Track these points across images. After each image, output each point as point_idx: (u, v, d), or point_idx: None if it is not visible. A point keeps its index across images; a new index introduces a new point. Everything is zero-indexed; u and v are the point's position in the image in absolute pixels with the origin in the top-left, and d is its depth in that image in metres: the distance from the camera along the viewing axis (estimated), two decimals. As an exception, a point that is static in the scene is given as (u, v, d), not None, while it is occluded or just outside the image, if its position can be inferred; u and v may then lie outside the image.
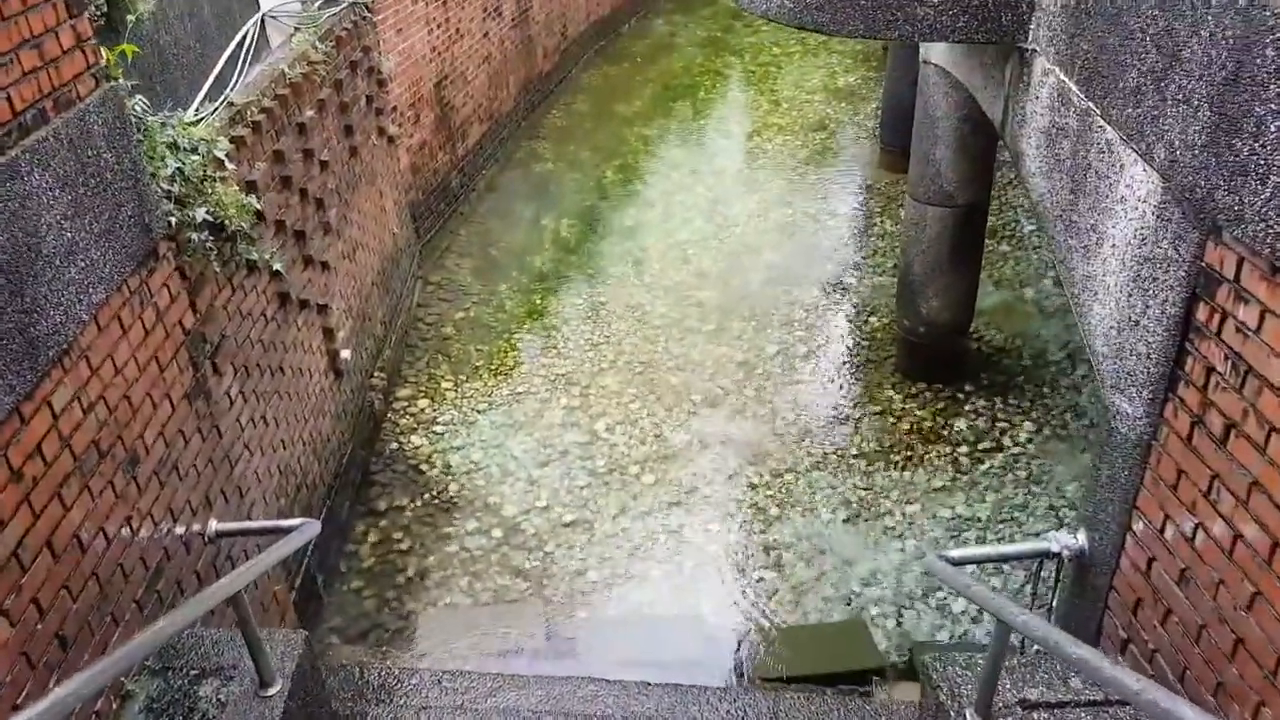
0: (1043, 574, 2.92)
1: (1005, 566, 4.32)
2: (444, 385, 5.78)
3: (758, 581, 4.38)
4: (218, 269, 3.30)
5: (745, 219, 7.82)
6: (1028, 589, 3.61)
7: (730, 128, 9.89)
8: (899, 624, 4.14)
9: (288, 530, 2.78)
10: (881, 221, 7.70)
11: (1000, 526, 4.64)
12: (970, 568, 3.10)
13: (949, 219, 5.28)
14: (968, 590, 2.45)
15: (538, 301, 6.67)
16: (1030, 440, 5.21)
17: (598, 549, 4.57)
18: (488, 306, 6.59)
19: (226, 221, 3.28)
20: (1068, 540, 2.74)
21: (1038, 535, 4.51)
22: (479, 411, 5.55)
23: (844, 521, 4.71)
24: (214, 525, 2.92)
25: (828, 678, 3.74)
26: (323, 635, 4.14)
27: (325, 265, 4.68)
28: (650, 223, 7.84)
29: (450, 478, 5.04)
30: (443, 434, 5.37)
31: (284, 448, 4.03)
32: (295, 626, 3.59)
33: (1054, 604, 2.98)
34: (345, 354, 4.78)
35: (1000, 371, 5.79)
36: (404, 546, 4.61)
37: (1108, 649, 2.60)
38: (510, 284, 6.89)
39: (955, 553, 2.69)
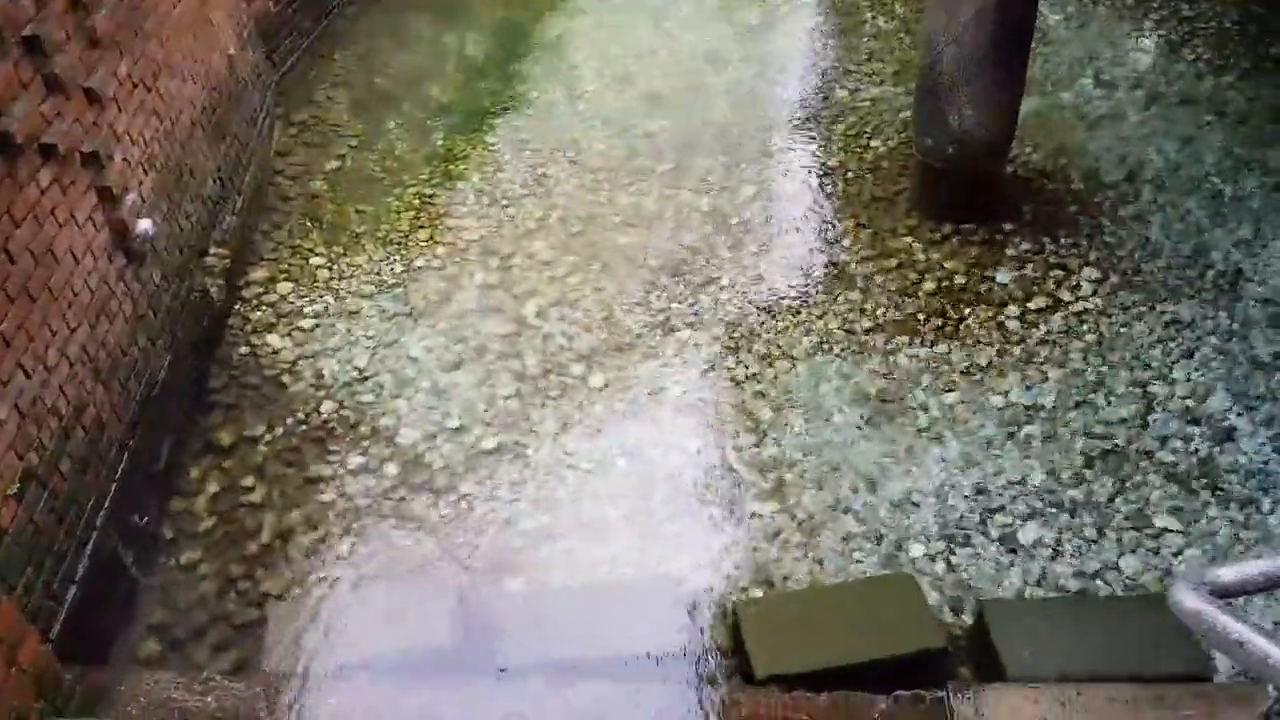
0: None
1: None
2: (314, 262, 4.29)
3: (753, 518, 3.16)
4: None
5: (702, 22, 6.18)
6: None
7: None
8: (951, 567, 2.97)
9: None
10: (873, 18, 6.14)
11: (1072, 416, 3.44)
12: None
13: (995, -9, 3.81)
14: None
15: (439, 143, 5.10)
16: (1095, 292, 3.97)
17: (532, 486, 3.28)
18: (372, 152, 5.01)
19: None
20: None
21: (1123, 425, 3.33)
22: (363, 296, 4.10)
23: (863, 424, 3.47)
24: None
25: (865, 668, 2.57)
26: (135, 643, 2.85)
27: (91, 95, 3.09)
28: (581, 33, 6.17)
29: (324, 393, 3.66)
30: (313, 330, 3.94)
31: (28, 375, 2.60)
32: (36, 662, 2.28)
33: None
34: (144, 225, 3.26)
35: (1046, 201, 4.48)
36: (257, 497, 3.27)
37: None
38: (402, 121, 5.28)
39: (1225, 572, 1.43)
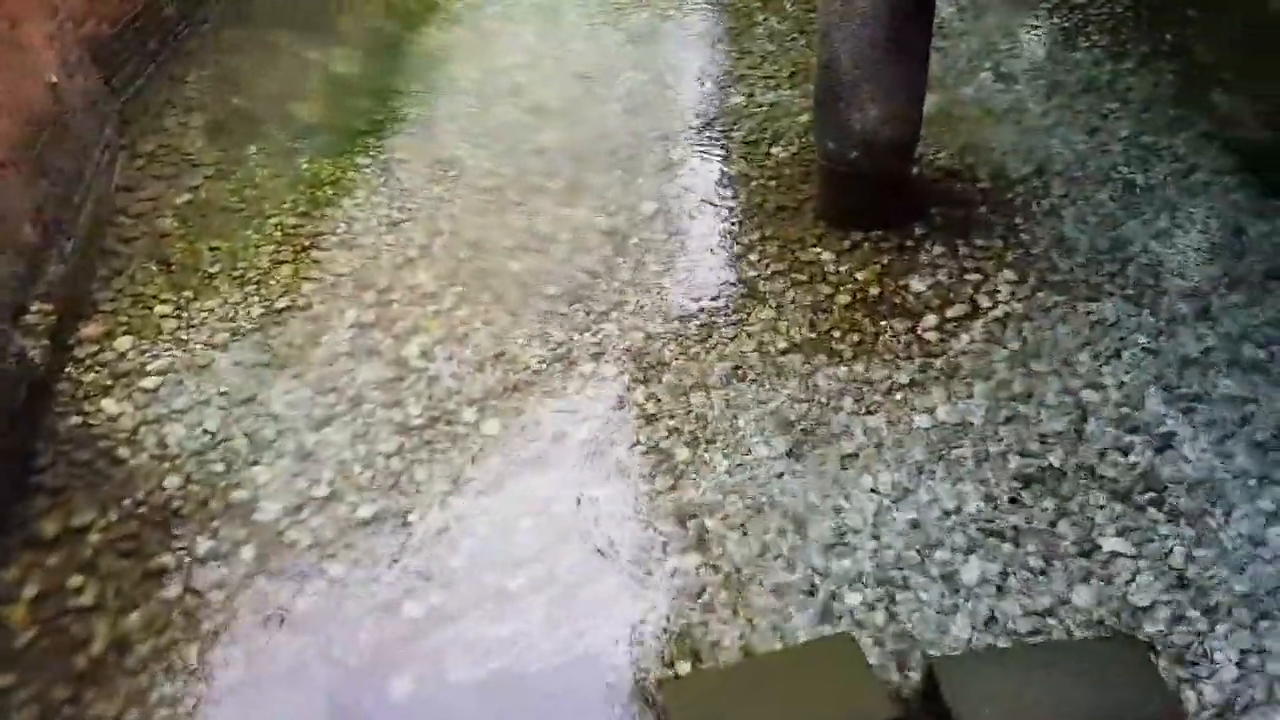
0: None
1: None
2: (159, 311, 3.77)
3: (674, 576, 2.80)
4: None
5: (590, 30, 5.84)
6: None
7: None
8: (892, 616, 2.67)
9: None
10: (765, 19, 5.90)
11: (1004, 431, 3.20)
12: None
13: (892, -19, 3.57)
14: None
15: (304, 167, 4.61)
16: (1014, 295, 3.75)
17: (419, 559, 2.86)
18: (229, 181, 4.50)
19: None
20: None
21: (1059, 439, 3.10)
22: (216, 347, 3.60)
23: (785, 455, 3.16)
24: None
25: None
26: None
27: None
28: (461, 45, 5.76)
29: (168, 465, 3.15)
30: (157, 391, 3.42)
31: None
32: None
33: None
34: (-71, 288, 2.74)
35: (955, 202, 4.26)
36: (88, 599, 2.76)
37: None
38: (264, 145, 4.77)
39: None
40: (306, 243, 4.12)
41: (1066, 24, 5.58)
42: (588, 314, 3.74)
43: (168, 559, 2.86)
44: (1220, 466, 2.97)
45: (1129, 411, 3.22)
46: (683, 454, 3.17)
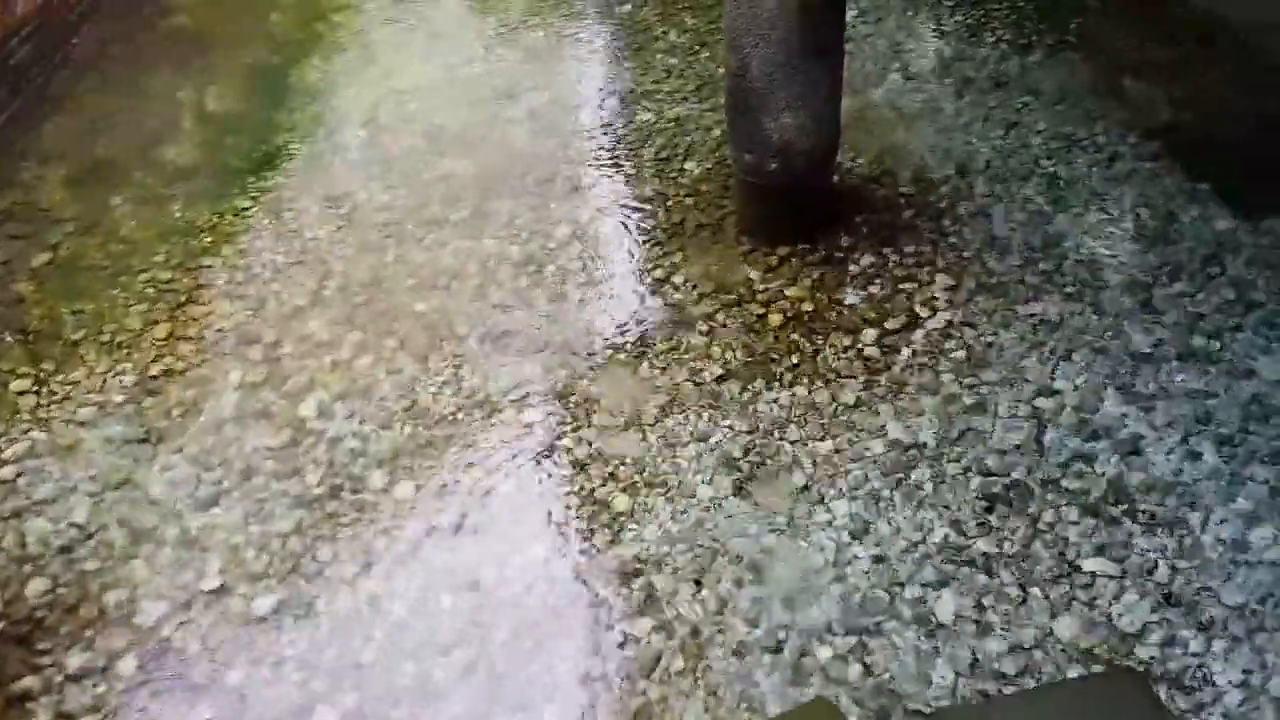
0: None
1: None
2: (15, 387, 3.30)
3: (624, 645, 2.49)
4: None
5: (485, 50, 5.53)
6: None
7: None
8: (868, 669, 2.41)
9: None
10: (665, 33, 5.67)
11: (960, 449, 2.99)
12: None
13: (801, -19, 3.37)
14: None
15: (178, 215, 4.18)
16: (951, 302, 3.57)
17: (329, 654, 2.48)
18: (93, 236, 4.04)
19: None
20: None
21: (1018, 453, 2.91)
22: (83, 424, 3.16)
23: (733, 494, 2.89)
24: None
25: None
26: None
27: None
28: (348, 73, 5.38)
29: (30, 568, 2.71)
30: (15, 481, 2.97)
31: None
32: None
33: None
34: None
35: (880, 209, 4.08)
36: (-72, 747, 2.32)
37: None
38: (131, 194, 4.32)
39: None
40: (182, 298, 3.70)
41: (970, 21, 5.52)
42: (504, 353, 3.42)
43: (32, 681, 2.43)
44: (1190, 468, 2.82)
45: (1087, 416, 3.05)
46: (621, 502, 2.87)
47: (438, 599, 2.60)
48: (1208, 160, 4.03)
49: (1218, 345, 3.20)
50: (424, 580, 2.65)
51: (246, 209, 4.22)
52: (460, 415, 3.16)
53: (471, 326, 3.53)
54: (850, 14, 5.67)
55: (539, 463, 3.01)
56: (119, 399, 3.25)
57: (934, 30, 5.51)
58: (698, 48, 5.47)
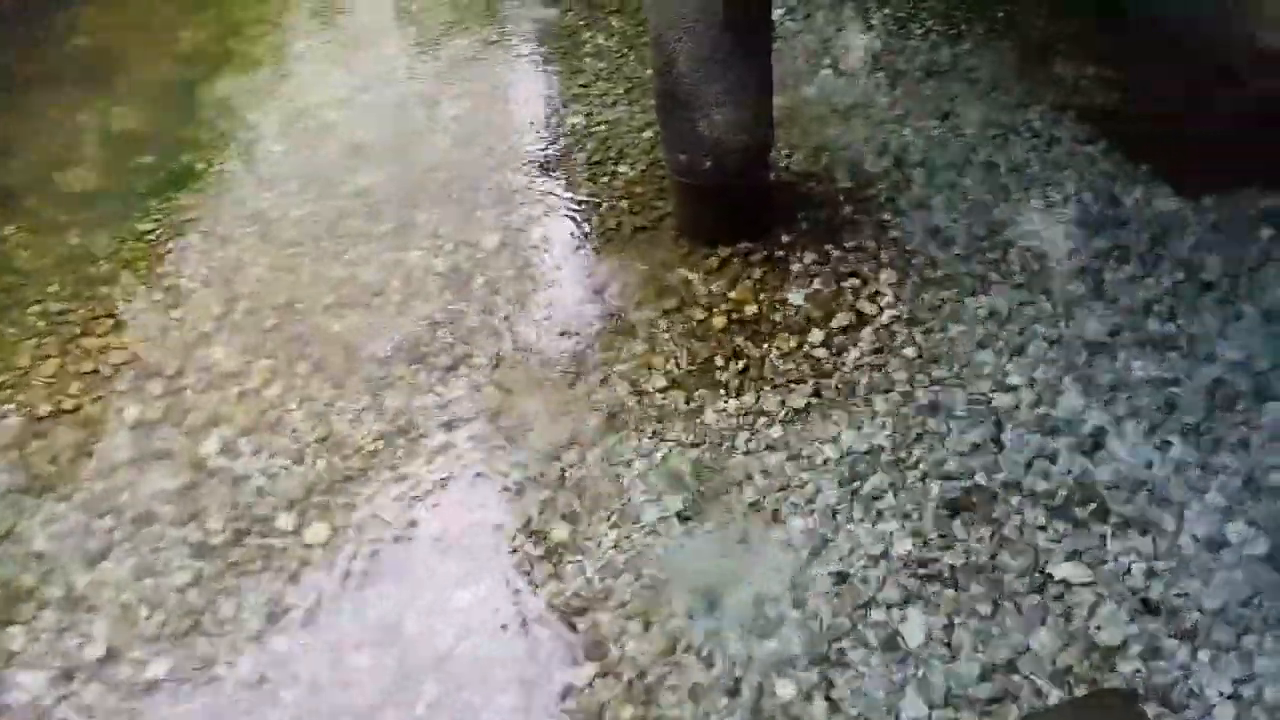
0: None
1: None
2: (-124, 439, 2.97)
3: (567, 697, 2.25)
4: None
5: (406, 59, 5.28)
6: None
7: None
8: (835, 705, 2.21)
9: None
10: (592, 36, 5.47)
11: (918, 452, 2.81)
12: None
13: (724, -30, 3.19)
14: None
15: (74, 242, 3.85)
16: (897, 297, 3.41)
17: (231, 723, 2.21)
18: (-25, 267, 3.71)
19: None
20: None
21: (978, 454, 2.74)
22: (-45, 476, 2.84)
23: (681, 515, 2.68)
24: None
25: None
26: None
27: None
28: (261, 87, 5.08)
29: (-116, 646, 2.39)
30: (-128, 545, 2.64)
31: None
32: None
33: None
34: None
35: (819, 205, 3.91)
36: None
37: None
38: (24, 223, 3.99)
39: None
40: (76, 330, 3.39)
41: (899, 13, 5.40)
42: (431, 374, 3.17)
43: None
44: (1158, 461, 2.67)
45: (1046, 411, 2.89)
46: (561, 532, 2.64)
47: (355, 656, 2.34)
48: (1146, 141, 3.94)
49: (1174, 329, 3.08)
50: (339, 635, 2.39)
51: (149, 232, 3.91)
52: (380, 444, 2.91)
53: (394, 346, 3.27)
54: (778, 11, 5.55)
55: (470, 493, 2.77)
56: (1, 444, 2.93)
57: (863, 24, 5.40)
58: (626, 50, 5.28)
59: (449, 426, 2.97)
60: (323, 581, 2.52)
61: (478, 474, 2.82)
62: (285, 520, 2.69)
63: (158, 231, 3.93)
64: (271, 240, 3.84)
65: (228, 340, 3.31)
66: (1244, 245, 3.35)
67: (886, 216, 3.82)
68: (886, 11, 5.47)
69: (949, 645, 2.29)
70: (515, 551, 2.59)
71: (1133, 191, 3.71)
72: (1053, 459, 2.74)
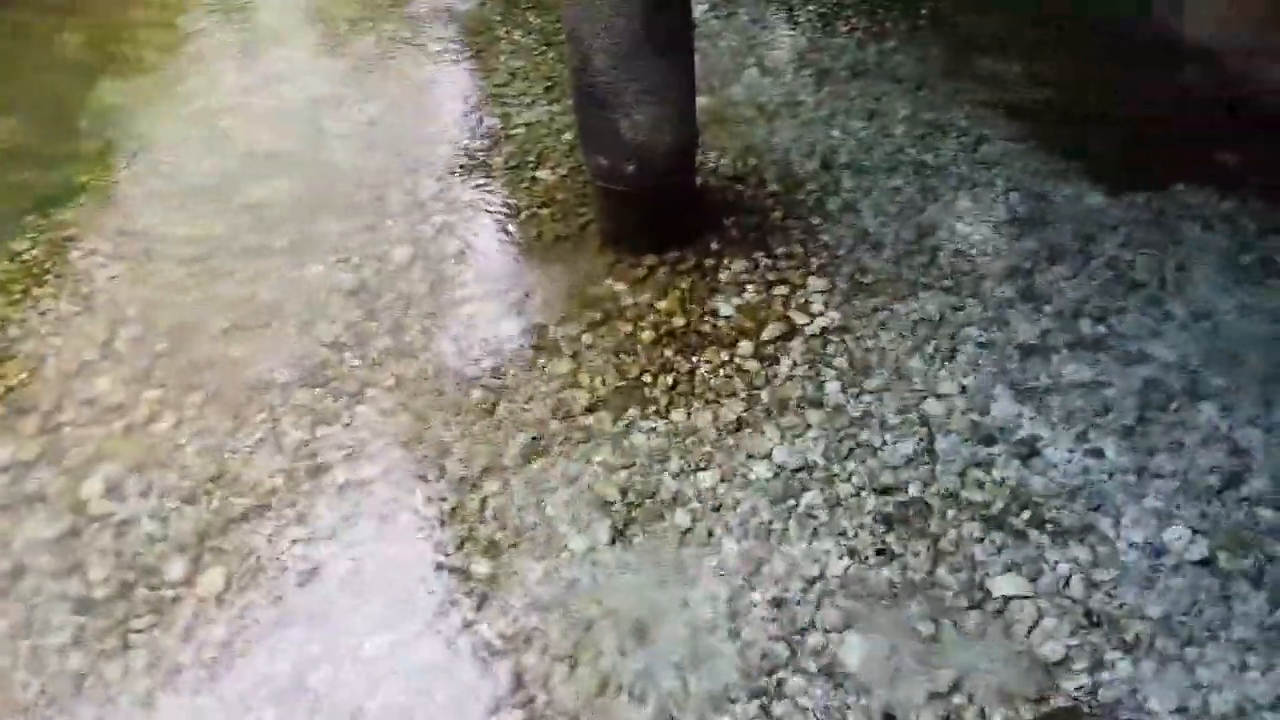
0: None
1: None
2: None
3: (489, 745, 2.09)
4: None
5: (307, 61, 5.02)
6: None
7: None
8: (774, 731, 2.09)
9: None
10: (508, 33, 5.29)
11: (851, 466, 2.72)
12: None
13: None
14: None
15: (-65, 263, 3.53)
16: (827, 305, 3.32)
17: (114, 805, 1.99)
18: None
19: None
20: None
21: (911, 465, 2.66)
22: None
23: (610, 543, 2.53)
24: None
25: None
26: None
27: None
28: (148, 95, 4.77)
29: None
30: None
31: None
32: None
33: None
34: None
35: (747, 210, 3.81)
36: None
37: None
38: (-123, 242, 3.64)
39: None
40: (-61, 363, 3.08)
41: (823, 10, 5.35)
42: (336, 400, 2.96)
43: None
44: (1094, 466, 2.62)
45: (979, 419, 2.83)
46: (482, 568, 2.47)
47: (258, 715, 2.13)
48: (1074, 138, 3.94)
49: (1105, 330, 3.04)
50: (239, 693, 2.18)
51: (23, 253, 3.60)
52: (281, 480, 2.69)
53: (295, 371, 3.05)
54: (700, 9, 5.44)
55: (380, 529, 2.57)
56: None
57: (787, 22, 5.32)
58: (544, 47, 5.11)
59: (356, 458, 2.76)
60: (219, 634, 2.30)
61: (389, 509, 2.63)
62: (177, 568, 2.46)
63: (34, 251, 3.62)
64: (160, 259, 3.57)
65: (112, 370, 3.04)
66: (1172, 243, 3.35)
67: (816, 221, 3.73)
68: (811, 9, 5.40)
69: (893, 669, 2.19)
70: (432, 592, 2.40)
71: (1062, 189, 3.69)
72: (987, 468, 2.67)
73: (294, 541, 2.53)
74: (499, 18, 5.43)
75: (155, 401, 2.94)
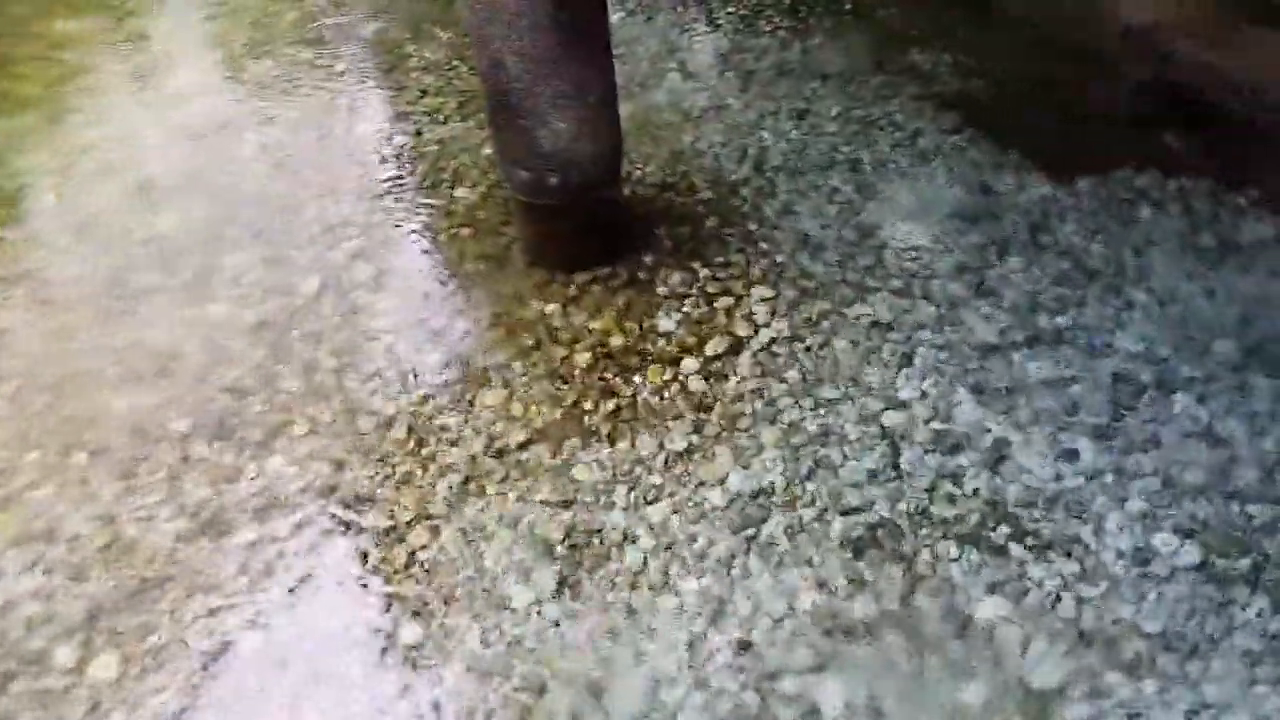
0: None
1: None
2: None
3: (430, 840, 1.82)
4: None
5: (203, 85, 4.68)
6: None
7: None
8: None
9: None
10: (417, 49, 5.02)
11: (812, 487, 2.52)
12: None
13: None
14: None
15: None
16: (773, 314, 3.12)
17: None
18: None
19: None
20: None
21: (876, 482, 2.47)
22: None
23: (555, 594, 2.28)
24: None
25: None
26: None
27: None
28: (31, 131, 4.38)
29: None
30: None
31: None
32: None
33: None
34: None
35: (680, 220, 3.61)
36: None
37: None
38: None
39: None
40: None
41: (744, 10, 5.20)
42: (241, 452, 2.66)
43: None
44: (1069, 470, 2.46)
45: (943, 427, 2.65)
46: (412, 633, 2.20)
47: (153, 830, 1.84)
48: (1012, 127, 3.83)
49: (1065, 323, 2.90)
50: (131, 805, 1.88)
51: (-118, 306, 3.23)
52: (181, 546, 2.38)
53: (194, 421, 2.74)
54: (616, 14, 5.25)
55: (295, 595, 2.28)
56: None
57: (708, 24, 5.16)
58: (455, 62, 4.85)
59: (266, 515, 2.47)
60: (107, 738, 1.99)
61: (305, 570, 2.34)
62: (65, 654, 2.14)
63: (-104, 305, 3.24)
64: (43, 304, 3.22)
65: (-17, 433, 2.70)
66: (1125, 228, 3.24)
67: (753, 227, 3.54)
68: (731, 9, 5.25)
69: (872, 713, 1.98)
70: (355, 665, 2.12)
71: (1005, 179, 3.56)
72: (957, 479, 2.49)
73: (197, 616, 2.22)
74: (407, 35, 5.16)
75: (35, 465, 2.61)
